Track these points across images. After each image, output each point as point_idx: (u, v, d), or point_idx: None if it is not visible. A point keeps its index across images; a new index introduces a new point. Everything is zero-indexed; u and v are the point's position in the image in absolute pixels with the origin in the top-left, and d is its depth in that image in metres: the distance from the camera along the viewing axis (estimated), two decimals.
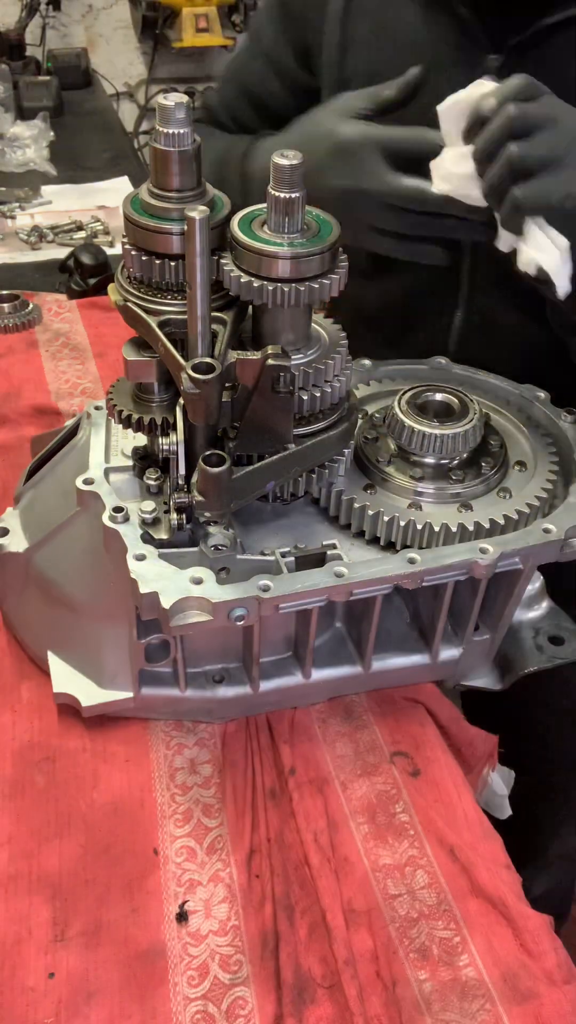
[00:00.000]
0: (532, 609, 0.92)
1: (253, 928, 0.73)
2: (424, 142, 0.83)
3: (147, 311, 0.75)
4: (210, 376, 0.70)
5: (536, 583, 0.92)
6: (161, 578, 0.73)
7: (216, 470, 0.72)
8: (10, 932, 0.72)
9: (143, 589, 0.72)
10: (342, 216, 0.75)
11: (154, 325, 0.74)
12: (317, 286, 0.73)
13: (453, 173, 0.81)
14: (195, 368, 0.70)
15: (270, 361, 0.71)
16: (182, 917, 0.74)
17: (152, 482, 0.80)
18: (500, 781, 0.96)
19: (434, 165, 0.83)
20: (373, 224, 0.88)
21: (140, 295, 0.76)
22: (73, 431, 0.94)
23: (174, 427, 0.75)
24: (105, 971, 0.70)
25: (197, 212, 0.66)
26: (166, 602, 0.71)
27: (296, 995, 0.69)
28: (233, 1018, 0.68)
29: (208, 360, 0.71)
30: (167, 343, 0.72)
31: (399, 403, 0.85)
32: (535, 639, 0.90)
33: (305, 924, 0.73)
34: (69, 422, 0.98)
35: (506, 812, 0.98)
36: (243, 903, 0.75)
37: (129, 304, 0.76)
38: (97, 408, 0.90)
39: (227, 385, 0.74)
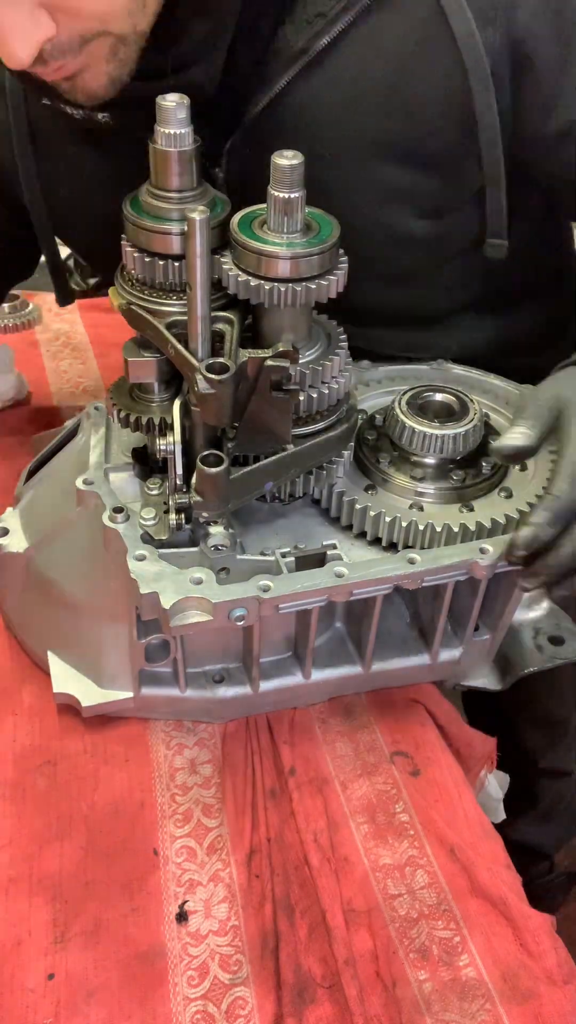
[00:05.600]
0: (532, 609, 0.92)
1: (253, 928, 0.73)
2: None
3: (152, 313, 0.75)
4: (225, 376, 0.69)
5: None
6: (161, 578, 0.73)
7: (214, 470, 0.71)
8: (10, 935, 0.72)
9: (143, 589, 0.72)
10: None
11: (163, 328, 0.73)
12: (316, 286, 0.73)
13: None
14: (209, 368, 0.69)
15: (268, 362, 0.71)
16: (182, 917, 0.74)
17: (154, 492, 0.80)
18: (496, 784, 0.97)
19: None
20: None
21: (144, 297, 0.76)
22: (73, 431, 0.94)
23: (172, 427, 0.75)
24: (105, 971, 0.70)
25: (197, 212, 0.66)
26: (166, 602, 0.71)
27: (296, 995, 0.69)
28: (233, 1018, 0.68)
29: (222, 360, 0.70)
30: (178, 345, 0.72)
31: (399, 403, 0.85)
32: (535, 639, 0.90)
33: (305, 924, 0.73)
34: (69, 422, 0.98)
35: (500, 815, 0.98)
36: (243, 903, 0.75)
37: (134, 307, 0.75)
38: (97, 408, 0.90)
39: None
